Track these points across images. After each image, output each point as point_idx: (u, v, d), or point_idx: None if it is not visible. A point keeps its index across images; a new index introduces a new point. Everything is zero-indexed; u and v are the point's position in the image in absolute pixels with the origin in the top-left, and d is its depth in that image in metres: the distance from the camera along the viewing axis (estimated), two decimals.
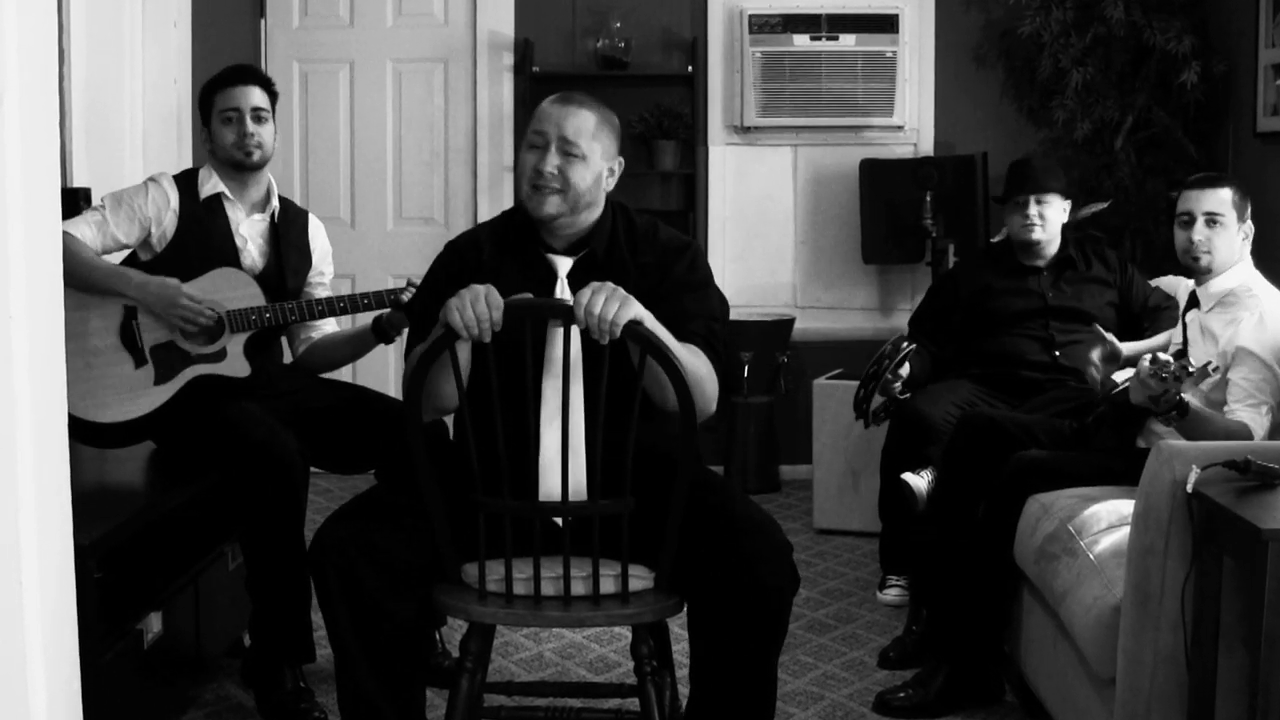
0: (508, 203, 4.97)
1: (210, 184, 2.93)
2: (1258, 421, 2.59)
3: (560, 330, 2.02)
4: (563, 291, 2.21)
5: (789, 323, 4.88)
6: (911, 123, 4.96)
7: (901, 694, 2.83)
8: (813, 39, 4.83)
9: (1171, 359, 2.48)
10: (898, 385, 3.33)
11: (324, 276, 3.13)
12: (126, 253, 2.94)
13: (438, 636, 2.99)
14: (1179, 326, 2.96)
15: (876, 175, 4.76)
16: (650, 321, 2.00)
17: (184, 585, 2.63)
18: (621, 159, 2.28)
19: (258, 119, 2.91)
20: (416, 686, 2.15)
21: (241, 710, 2.81)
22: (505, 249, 2.25)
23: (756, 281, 5.04)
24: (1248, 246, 2.83)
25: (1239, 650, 2.10)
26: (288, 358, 3.16)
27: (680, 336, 2.08)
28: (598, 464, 2.03)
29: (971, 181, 4.58)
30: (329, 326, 3.11)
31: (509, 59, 4.97)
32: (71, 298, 2.70)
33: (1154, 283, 3.56)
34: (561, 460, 2.04)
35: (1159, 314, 3.43)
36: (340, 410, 2.91)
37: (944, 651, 2.85)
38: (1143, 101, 4.54)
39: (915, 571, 3.24)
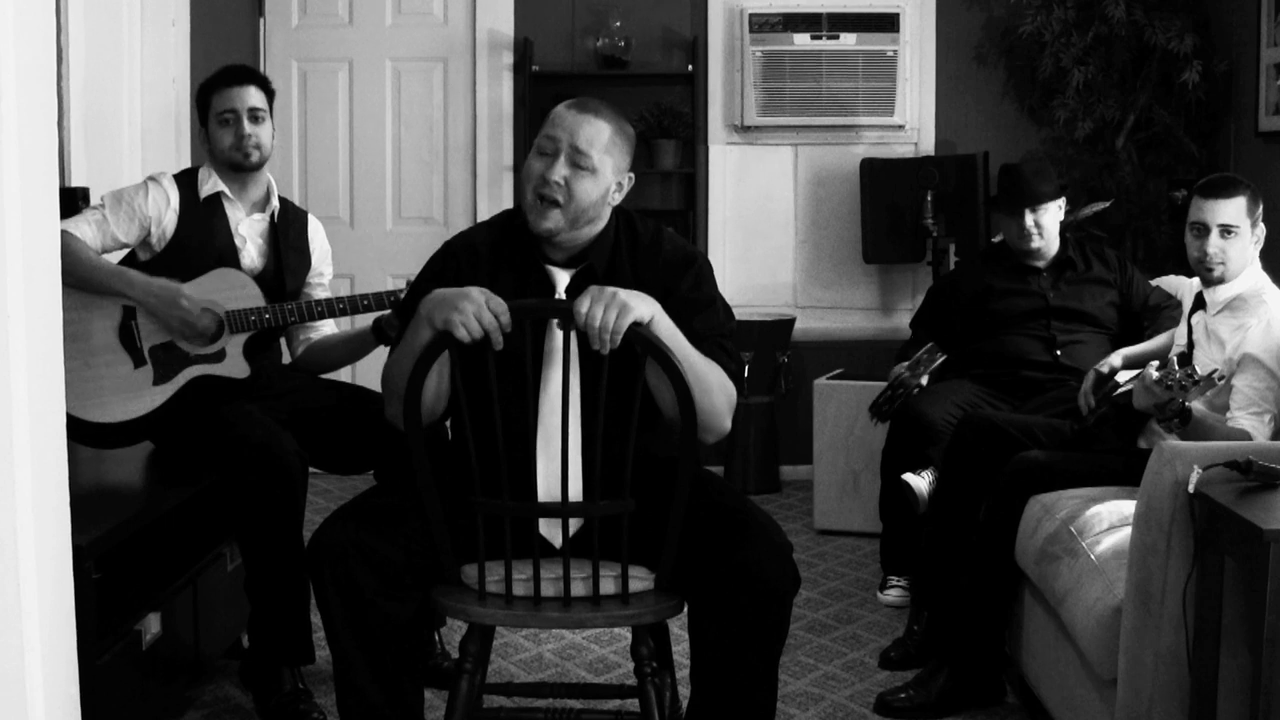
0: (507, 202, 4.96)
1: (210, 183, 2.92)
2: (1259, 430, 2.58)
3: (560, 332, 2.02)
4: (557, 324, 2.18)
5: (789, 322, 4.88)
6: (912, 122, 4.95)
7: (902, 695, 2.83)
8: (813, 38, 4.83)
9: (1178, 367, 2.47)
10: (915, 390, 3.33)
11: (323, 277, 3.12)
12: (125, 252, 2.93)
13: (437, 637, 2.98)
14: (1184, 328, 2.95)
15: (877, 175, 4.76)
16: (659, 317, 1.99)
17: (182, 586, 2.62)
18: (632, 175, 2.20)
19: (255, 119, 2.91)
20: (415, 687, 2.15)
21: (240, 712, 2.80)
22: (502, 257, 2.20)
23: (757, 281, 5.03)
24: (1259, 248, 2.81)
25: (1241, 651, 2.09)
26: (286, 359, 3.16)
27: None
28: (597, 465, 2.02)
29: (972, 181, 4.57)
30: (328, 328, 3.11)
31: (508, 58, 4.97)
32: (71, 297, 2.70)
33: (1155, 282, 3.55)
34: (562, 461, 2.03)
35: (1159, 313, 3.42)
36: (339, 411, 2.91)
37: (945, 652, 2.84)
38: (1144, 101, 4.53)
39: (916, 572, 3.24)
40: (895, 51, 4.83)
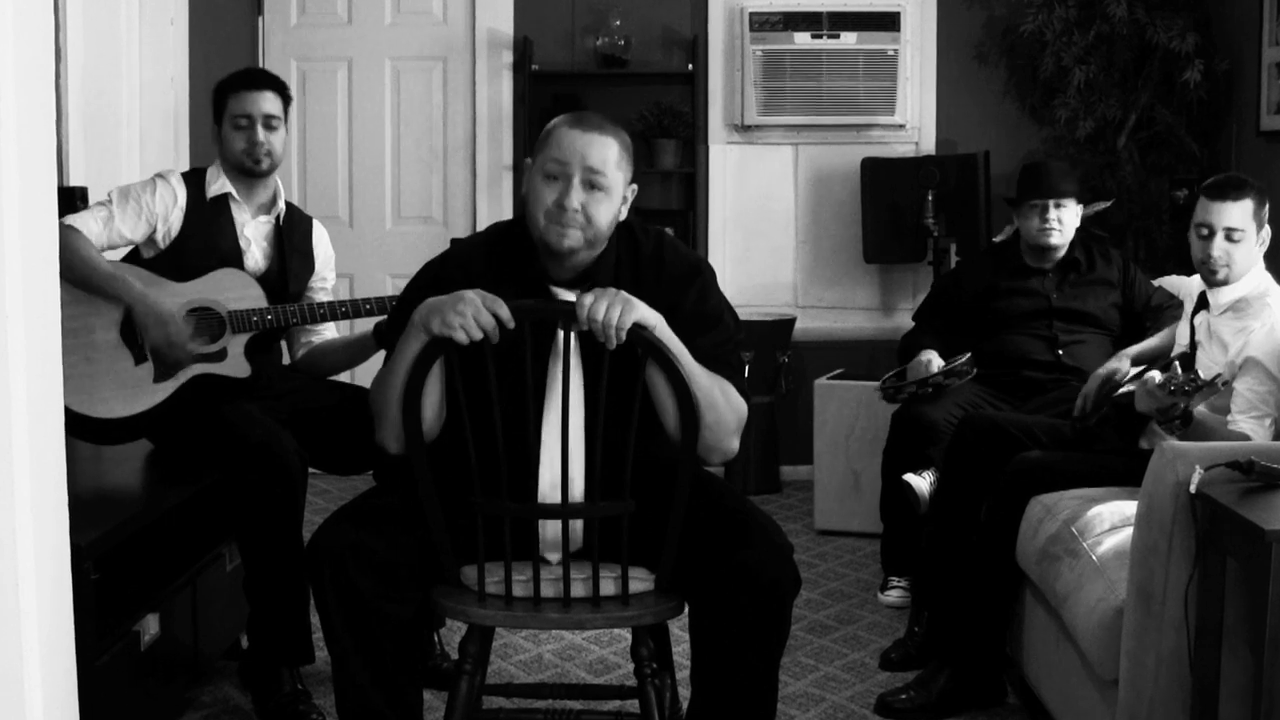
0: (507, 202, 4.96)
1: (218, 184, 2.92)
2: (1259, 434, 2.57)
3: (560, 332, 2.01)
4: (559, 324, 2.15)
5: (790, 322, 4.87)
6: (913, 121, 4.94)
7: (903, 696, 2.82)
8: (814, 37, 4.82)
9: (1180, 371, 2.47)
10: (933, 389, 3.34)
11: (326, 282, 3.12)
12: (129, 248, 2.92)
13: (436, 638, 2.98)
14: (1186, 328, 2.94)
15: (878, 174, 4.75)
16: (660, 326, 1.98)
17: (181, 586, 2.62)
18: (635, 185, 2.16)
19: (269, 126, 2.91)
20: (415, 688, 2.14)
21: (239, 712, 2.80)
22: (502, 276, 2.13)
23: (757, 281, 5.02)
24: (1264, 250, 2.80)
25: (1242, 652, 2.09)
26: (286, 360, 3.15)
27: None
28: (597, 466, 2.02)
29: (973, 180, 4.56)
30: (329, 331, 3.11)
31: (508, 57, 4.96)
32: (73, 292, 2.71)
33: (1157, 282, 3.55)
34: (562, 462, 2.03)
35: (1161, 313, 3.42)
36: (338, 411, 2.90)
37: (946, 653, 2.84)
38: (1145, 100, 4.53)
39: (917, 573, 3.23)
40: (896, 51, 4.83)
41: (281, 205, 3.01)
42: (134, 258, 2.91)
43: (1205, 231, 2.74)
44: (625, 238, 2.18)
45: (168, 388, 2.80)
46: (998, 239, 4.03)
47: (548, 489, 2.10)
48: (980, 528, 2.82)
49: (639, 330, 1.95)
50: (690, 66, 4.91)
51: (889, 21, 4.82)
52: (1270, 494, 1.99)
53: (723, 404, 2.07)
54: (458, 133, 5.05)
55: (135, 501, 2.56)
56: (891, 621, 3.43)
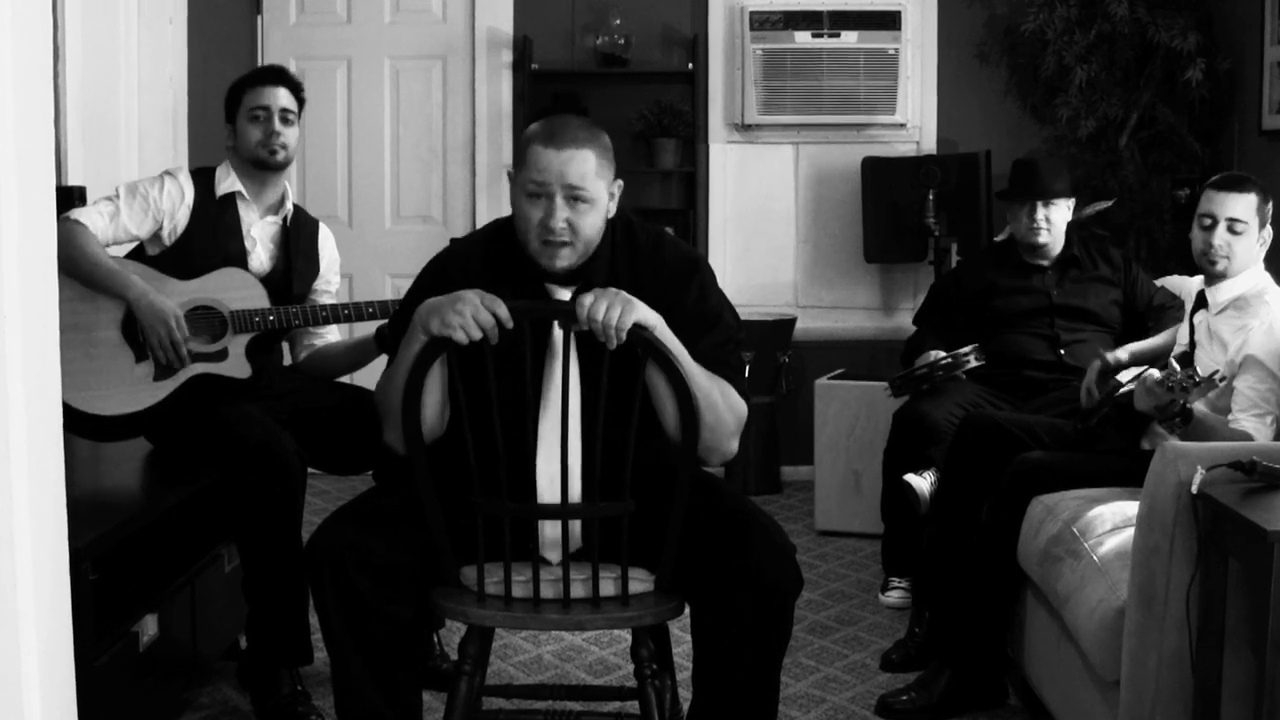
0: (506, 201, 4.92)
1: (227, 182, 2.92)
2: (1261, 432, 2.56)
3: (560, 332, 2.00)
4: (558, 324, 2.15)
5: (790, 322, 4.86)
6: (914, 120, 4.94)
7: (904, 697, 2.81)
8: (814, 36, 4.81)
9: (1179, 368, 2.46)
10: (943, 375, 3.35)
11: (330, 285, 3.11)
12: (134, 244, 2.92)
13: (436, 639, 2.97)
14: (1185, 327, 2.94)
15: (879, 173, 4.74)
16: (660, 327, 1.98)
17: (180, 587, 2.61)
18: (620, 181, 2.16)
19: (285, 120, 2.91)
20: (414, 689, 2.14)
21: (238, 713, 2.79)
22: (499, 275, 2.14)
23: (757, 281, 5.02)
24: (1265, 250, 2.80)
25: (1244, 652, 2.08)
26: (287, 360, 3.15)
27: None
28: (597, 466, 2.01)
29: (974, 180, 4.56)
30: (331, 335, 3.10)
31: (508, 56, 4.95)
32: (75, 288, 2.71)
33: (1158, 282, 3.54)
34: (562, 462, 2.02)
35: (1163, 313, 3.41)
36: (338, 411, 2.90)
37: (947, 654, 2.83)
38: (1147, 99, 4.52)
39: (918, 573, 3.23)
40: (897, 50, 4.82)
41: (289, 207, 3.01)
42: (139, 255, 2.91)
43: (1208, 221, 2.76)
44: (624, 233, 2.18)
45: (168, 386, 2.80)
46: (998, 238, 4.02)
47: (547, 489, 2.09)
48: (981, 528, 2.82)
49: (639, 331, 1.95)
50: (690, 65, 4.90)
51: (890, 20, 4.81)
52: (1272, 494, 1.99)
53: (722, 405, 2.06)
54: (457, 132, 5.04)
55: (134, 502, 2.56)
56: (892, 622, 3.42)
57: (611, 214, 2.14)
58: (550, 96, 4.78)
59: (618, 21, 4.84)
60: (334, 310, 2.92)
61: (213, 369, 2.82)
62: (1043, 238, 3.45)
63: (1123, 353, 3.05)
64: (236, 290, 2.84)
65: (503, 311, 1.96)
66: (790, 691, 2.92)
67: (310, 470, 2.78)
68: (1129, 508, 2.46)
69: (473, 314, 1.95)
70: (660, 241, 2.20)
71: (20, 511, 1.79)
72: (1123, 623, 2.22)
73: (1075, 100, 4.52)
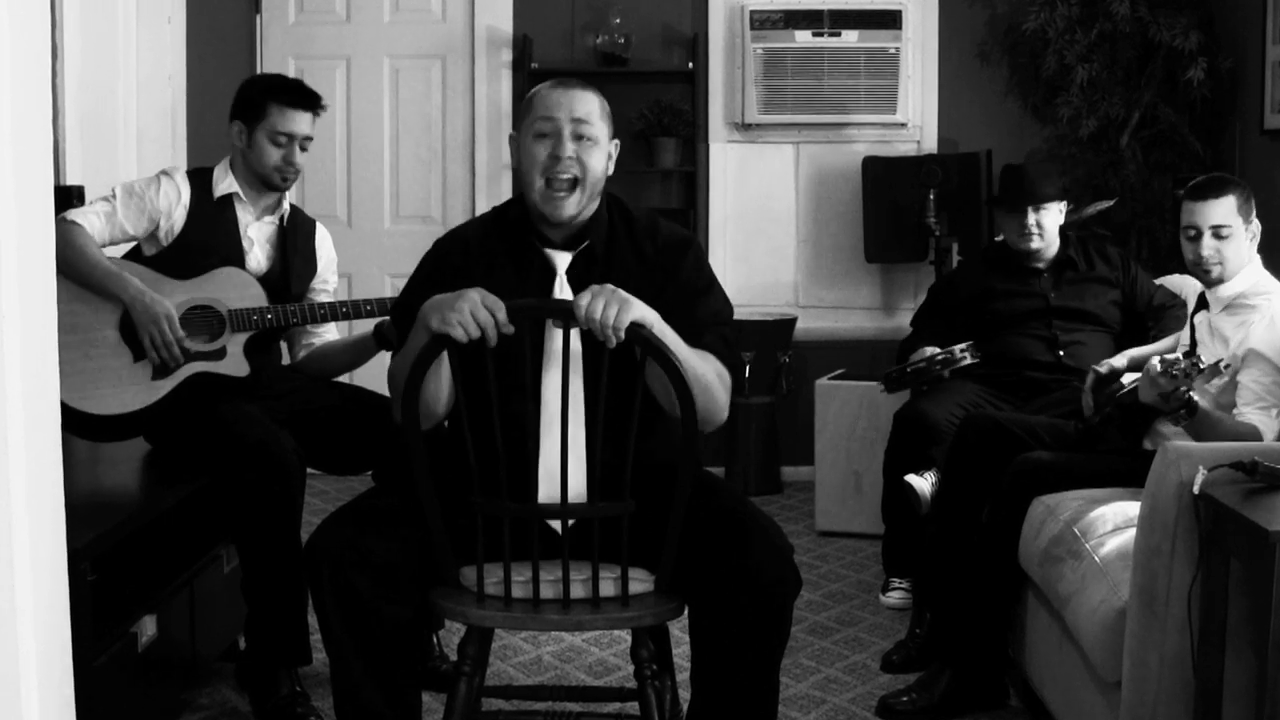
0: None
1: (225, 183, 2.91)
2: (1267, 425, 2.56)
3: (560, 331, 2.00)
4: (562, 288, 2.17)
5: (790, 322, 4.86)
6: (915, 120, 4.93)
7: (905, 698, 2.81)
8: (815, 35, 4.81)
9: (1181, 357, 2.46)
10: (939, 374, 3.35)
11: (328, 285, 3.11)
12: (131, 244, 2.91)
13: (435, 640, 2.97)
14: (1187, 328, 2.93)
15: (879, 173, 4.74)
16: (658, 324, 1.98)
17: (179, 588, 2.61)
18: (617, 141, 2.24)
19: (303, 148, 2.91)
20: (413, 690, 2.13)
21: (237, 714, 2.79)
22: (497, 248, 2.19)
23: (758, 280, 5.01)
24: (1256, 244, 2.79)
25: (1246, 653, 2.08)
26: (285, 360, 3.14)
27: (696, 346, 2.07)
28: (597, 465, 2.01)
29: (975, 179, 4.55)
30: (330, 334, 3.10)
31: (507, 55, 4.95)
32: (73, 288, 2.70)
33: (1159, 281, 3.54)
34: (561, 462, 2.02)
35: (1164, 313, 3.41)
36: (337, 411, 2.89)
37: (948, 655, 2.83)
38: (1149, 98, 4.52)
39: (918, 574, 3.22)
40: (897, 49, 4.81)
41: (286, 207, 3.00)
42: (136, 255, 2.90)
43: (1193, 233, 2.75)
44: (618, 206, 2.25)
45: (166, 385, 2.79)
46: (999, 238, 4.02)
47: (546, 489, 2.09)
48: (982, 529, 2.81)
49: (637, 329, 1.95)
50: (690, 65, 4.89)
51: (890, 19, 4.81)
52: (1274, 495, 1.98)
53: (717, 385, 2.10)
54: (457, 131, 5.03)
55: (132, 502, 2.55)
56: (893, 623, 3.41)
57: (610, 172, 2.20)
58: None
59: (618, 21, 4.84)
60: (332, 308, 2.92)
61: (211, 368, 2.81)
62: (1035, 243, 3.44)
63: (1120, 359, 3.04)
64: (235, 290, 2.84)
65: (501, 314, 1.96)
66: (790, 692, 2.91)
67: (309, 470, 2.77)
68: (1130, 508, 2.45)
69: (471, 310, 1.94)
70: (654, 219, 2.27)
71: (19, 512, 1.79)
72: (1124, 623, 2.21)
73: (1076, 100, 4.51)
